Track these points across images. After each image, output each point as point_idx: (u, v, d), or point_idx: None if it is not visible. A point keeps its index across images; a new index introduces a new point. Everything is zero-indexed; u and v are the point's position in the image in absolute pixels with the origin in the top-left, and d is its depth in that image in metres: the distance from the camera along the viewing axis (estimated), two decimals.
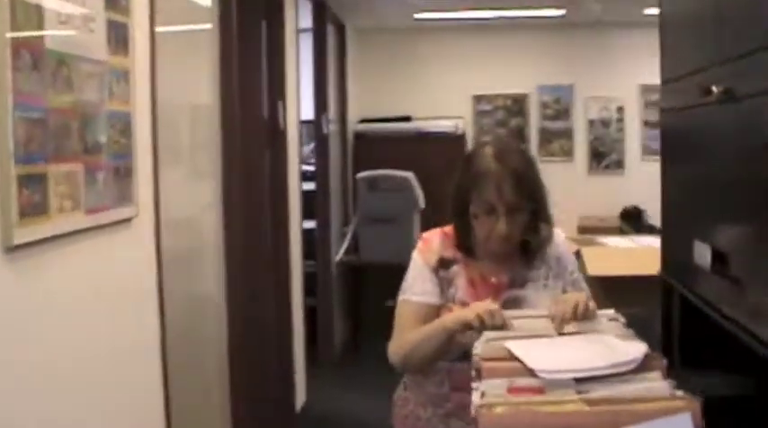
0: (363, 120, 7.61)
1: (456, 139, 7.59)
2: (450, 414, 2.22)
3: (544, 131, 8.02)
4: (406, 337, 2.18)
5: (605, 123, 8.00)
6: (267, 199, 4.49)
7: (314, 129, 6.31)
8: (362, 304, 7.26)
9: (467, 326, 1.97)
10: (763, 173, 1.36)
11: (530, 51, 7.90)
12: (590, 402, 1.31)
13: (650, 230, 7.49)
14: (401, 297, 2.25)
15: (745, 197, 1.53)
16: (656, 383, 1.40)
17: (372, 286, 7.15)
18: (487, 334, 1.83)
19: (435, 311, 2.19)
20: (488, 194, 2.09)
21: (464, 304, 2.17)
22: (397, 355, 2.19)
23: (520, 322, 1.93)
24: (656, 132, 7.63)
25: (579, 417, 1.25)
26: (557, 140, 8.02)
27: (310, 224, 6.09)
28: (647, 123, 7.89)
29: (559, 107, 7.99)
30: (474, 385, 1.50)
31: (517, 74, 7.90)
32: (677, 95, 1.92)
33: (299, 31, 5.19)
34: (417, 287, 2.22)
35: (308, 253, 5.88)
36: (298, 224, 5.23)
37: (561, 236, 2.35)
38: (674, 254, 2.02)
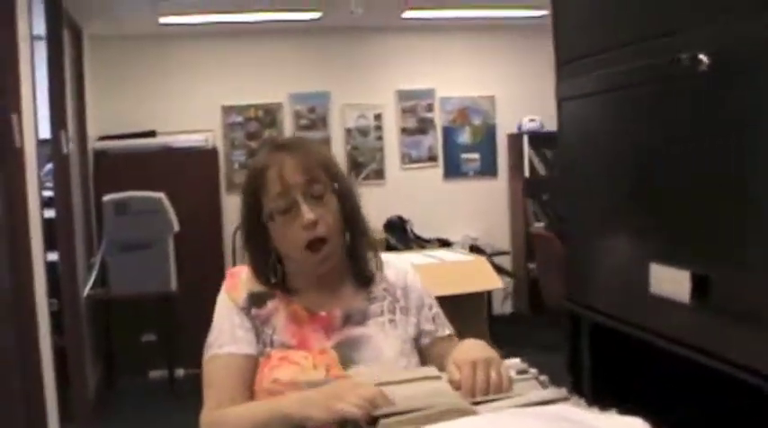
0: (103, 137, 6.84)
1: (207, 154, 7.09)
2: None
3: None
4: (227, 417, 1.67)
5: (363, 132, 7.75)
6: (3, 230, 3.75)
7: (51, 148, 5.50)
8: (115, 340, 6.59)
9: (341, 422, 1.45)
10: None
11: (282, 58, 7.50)
12: None
13: (417, 241, 7.36)
14: (207, 353, 1.78)
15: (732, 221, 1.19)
16: None
17: (125, 320, 6.54)
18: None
19: (253, 363, 1.73)
20: (274, 184, 1.71)
21: (286, 347, 1.73)
22: None
23: (408, 391, 1.46)
24: (415, 139, 7.79)
25: None
26: None
27: (53, 256, 5.31)
28: (404, 130, 7.76)
29: (315, 116, 7.65)
30: None
31: (269, 82, 7.48)
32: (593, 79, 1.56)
33: (33, 38, 4.46)
34: (225, 336, 1.76)
35: (52, 289, 5.14)
36: (41, 257, 4.47)
37: (405, 264, 1.95)
38: (592, 280, 1.65)
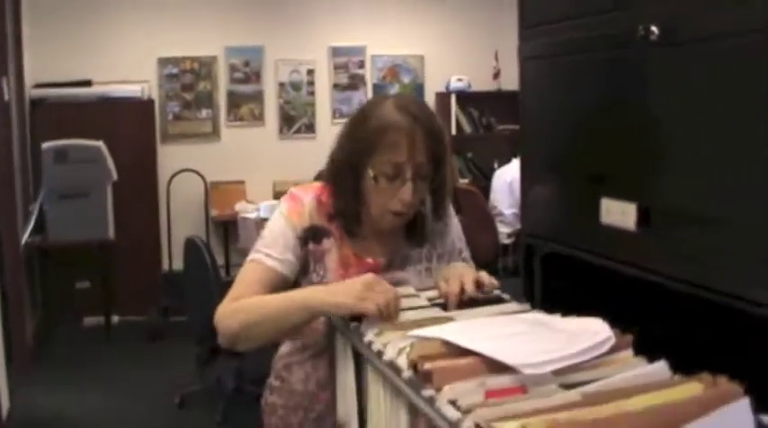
0: (39, 85, 6.82)
1: (144, 105, 7.13)
2: (322, 417, 1.92)
3: (233, 95, 7.74)
4: (244, 304, 1.76)
5: (296, 86, 7.90)
6: None
7: None
8: (50, 288, 6.64)
9: (355, 316, 1.58)
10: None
11: (218, 12, 7.56)
12: (597, 399, 1.13)
13: None
14: (252, 256, 1.85)
15: (677, 147, 1.47)
16: (646, 365, 1.26)
17: (60, 268, 6.57)
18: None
19: (287, 286, 1.83)
20: (399, 153, 1.72)
21: None
22: (228, 325, 1.76)
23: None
24: (345, 95, 7.99)
25: (622, 421, 1.06)
26: (246, 104, 7.78)
27: None
28: (336, 86, 7.93)
29: (249, 70, 7.76)
30: (426, 392, 1.23)
31: (204, 35, 7.53)
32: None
33: None
34: (275, 251, 1.83)
35: None
36: None
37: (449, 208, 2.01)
38: (547, 215, 1.92)
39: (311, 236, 1.86)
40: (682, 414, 1.03)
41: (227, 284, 5.21)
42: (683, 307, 1.54)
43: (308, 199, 1.89)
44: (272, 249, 1.84)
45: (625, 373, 1.23)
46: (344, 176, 1.82)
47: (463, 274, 1.70)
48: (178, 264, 6.40)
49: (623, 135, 1.61)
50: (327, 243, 1.87)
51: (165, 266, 7.17)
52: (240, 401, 4.96)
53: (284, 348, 2.03)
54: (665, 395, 1.14)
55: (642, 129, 1.55)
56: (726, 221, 1.37)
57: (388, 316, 1.55)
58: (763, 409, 1.10)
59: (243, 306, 1.77)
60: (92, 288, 6.66)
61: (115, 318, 6.70)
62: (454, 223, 2.02)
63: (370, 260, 1.88)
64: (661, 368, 1.24)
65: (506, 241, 6.50)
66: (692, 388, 1.16)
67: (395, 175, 1.75)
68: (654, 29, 1.43)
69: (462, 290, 1.65)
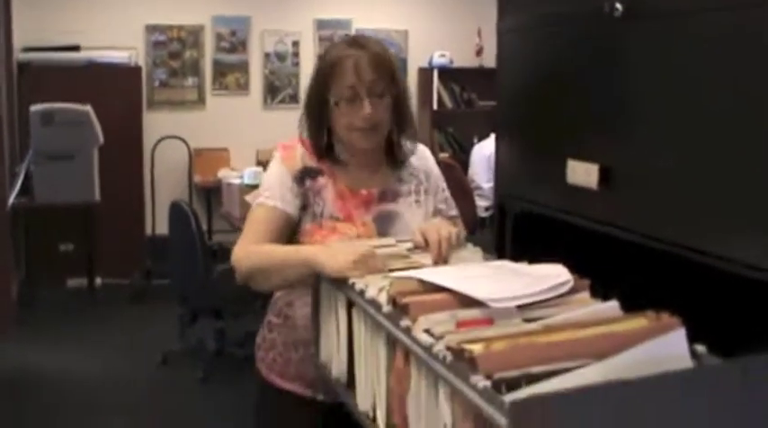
0: (28, 49, 6.89)
1: (132, 71, 7.23)
2: None
3: (218, 64, 7.84)
4: (258, 247, 1.97)
5: (281, 57, 8.00)
6: None
7: None
8: (33, 250, 6.74)
9: (341, 277, 1.72)
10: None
11: None
12: (554, 329, 1.28)
13: None
14: (256, 201, 2.05)
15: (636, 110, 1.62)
16: (599, 304, 1.42)
17: (45, 229, 6.67)
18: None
19: (290, 222, 2.03)
20: (348, 77, 1.97)
21: (335, 219, 2.02)
22: (241, 264, 1.97)
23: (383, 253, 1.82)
24: None
25: (575, 345, 1.21)
26: (231, 74, 7.89)
27: None
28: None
29: (235, 39, 7.85)
30: (403, 323, 1.38)
31: (192, 4, 7.63)
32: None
33: None
34: (276, 192, 2.02)
35: None
36: None
37: (427, 151, 2.25)
38: (518, 177, 2.08)
39: (306, 174, 2.05)
40: (625, 341, 1.18)
41: (211, 249, 5.36)
42: (639, 259, 1.70)
43: (296, 147, 2.10)
44: (272, 191, 2.03)
45: (580, 310, 1.39)
46: (314, 110, 2.05)
47: (440, 228, 1.86)
48: (161, 229, 6.51)
49: (588, 103, 1.76)
50: (322, 179, 2.06)
51: (149, 230, 7.28)
52: (221, 361, 5.10)
53: None
54: (613, 326, 1.30)
55: (604, 98, 1.70)
56: (676, 179, 1.52)
57: (370, 271, 1.70)
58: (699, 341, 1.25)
59: (255, 251, 1.97)
60: (76, 250, 6.75)
61: (98, 281, 6.80)
62: (431, 161, 2.23)
63: (363, 191, 2.08)
64: (612, 306, 1.40)
65: (484, 214, 6.66)
66: (637, 322, 1.31)
67: (352, 97, 1.98)
68: (618, 5, 1.58)
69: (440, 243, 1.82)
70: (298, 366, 2.10)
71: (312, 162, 2.07)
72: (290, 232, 2.04)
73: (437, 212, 2.18)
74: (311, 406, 2.10)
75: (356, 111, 1.98)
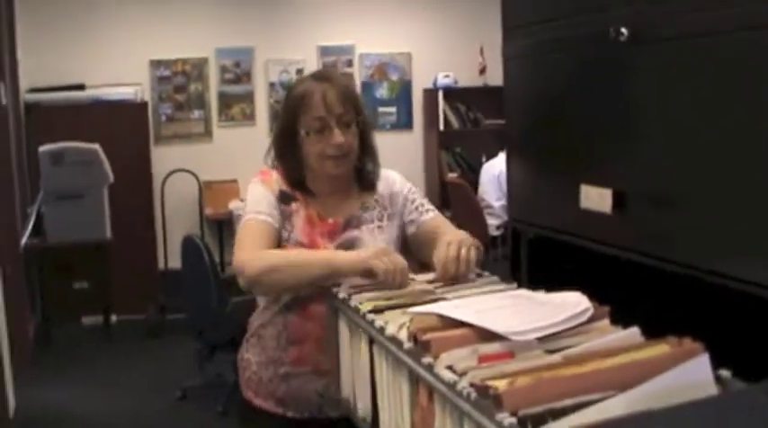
0: (34, 89, 6.95)
1: (138, 107, 7.27)
2: (289, 375, 2.17)
3: (224, 96, 7.88)
4: (267, 251, 2.05)
5: (286, 86, 8.02)
6: None
7: None
8: (48, 288, 6.74)
9: (367, 275, 1.88)
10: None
11: (208, 13, 7.70)
12: (576, 360, 1.28)
13: None
14: (245, 218, 2.13)
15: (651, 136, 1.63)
16: (620, 332, 1.41)
17: (59, 268, 6.67)
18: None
19: (278, 236, 2.11)
20: (316, 109, 2.09)
21: (300, 244, 2.11)
22: (252, 265, 2.00)
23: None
24: None
25: (598, 376, 1.21)
26: (237, 104, 7.92)
27: None
28: None
29: (239, 70, 7.90)
30: (425, 360, 1.38)
31: (195, 37, 7.67)
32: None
33: None
34: (264, 208, 2.11)
35: None
36: None
37: (394, 174, 2.33)
38: (532, 202, 2.08)
39: (281, 199, 2.16)
40: (650, 369, 1.18)
41: (225, 281, 5.36)
42: (655, 282, 1.70)
43: (272, 174, 2.21)
44: (260, 207, 2.12)
45: (601, 339, 1.38)
46: (285, 143, 2.16)
47: (451, 242, 1.91)
48: (174, 263, 6.52)
49: (598, 127, 1.76)
50: (294, 205, 2.16)
51: (162, 264, 7.30)
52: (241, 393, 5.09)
53: (260, 306, 2.25)
54: (635, 354, 1.29)
55: (615, 122, 1.71)
56: (689, 203, 1.52)
57: (392, 281, 1.84)
58: (723, 366, 1.24)
59: (266, 253, 2.04)
60: (90, 288, 6.75)
61: (114, 317, 6.81)
62: (398, 185, 2.29)
63: (330, 220, 2.17)
64: (633, 333, 1.40)
65: (495, 233, 6.66)
66: (660, 349, 1.31)
67: (321, 128, 2.10)
68: (623, 30, 1.59)
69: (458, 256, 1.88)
70: (268, 385, 2.21)
71: (286, 187, 2.17)
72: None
73: (407, 225, 2.26)
74: (282, 423, 2.20)
75: (326, 139, 2.09)
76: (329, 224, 2.17)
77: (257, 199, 2.14)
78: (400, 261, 1.88)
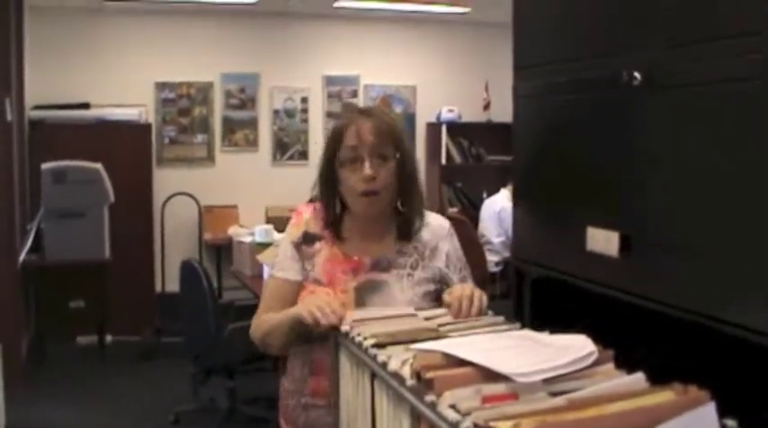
0: (39, 107, 6.96)
1: (141, 128, 7.27)
2: (308, 406, 2.14)
3: (228, 121, 7.90)
4: (265, 317, 2.13)
5: (290, 113, 8.06)
6: None
7: None
8: (44, 306, 6.71)
9: (301, 323, 1.91)
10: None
11: (216, 39, 7.74)
12: (580, 404, 1.27)
13: None
14: (270, 273, 2.22)
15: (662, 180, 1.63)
16: (625, 377, 1.41)
17: (56, 286, 6.64)
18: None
19: (295, 286, 2.13)
20: (349, 138, 2.02)
21: (318, 282, 2.10)
22: (254, 335, 2.17)
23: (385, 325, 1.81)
24: None
25: (601, 422, 1.20)
26: (241, 130, 7.94)
27: None
28: (329, 114, 8.09)
29: (244, 96, 7.92)
30: (428, 398, 1.38)
31: (202, 61, 7.71)
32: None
33: None
34: (281, 262, 2.16)
35: None
36: None
37: (444, 224, 2.21)
38: (536, 242, 2.08)
39: (304, 240, 2.15)
40: (654, 417, 1.17)
41: (222, 306, 5.34)
42: (660, 327, 1.70)
43: (307, 211, 2.19)
44: (279, 260, 2.19)
45: (606, 383, 1.38)
46: (325, 179, 2.10)
47: (464, 290, 1.88)
48: (171, 285, 6.50)
49: (607, 169, 1.77)
50: (318, 245, 2.14)
51: (159, 287, 7.28)
52: (234, 419, 5.06)
53: None
54: (640, 400, 1.29)
55: (624, 165, 1.71)
56: (697, 249, 1.52)
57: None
58: (729, 415, 1.24)
59: (264, 318, 2.14)
60: (86, 307, 6.71)
61: (109, 338, 6.77)
62: (446, 238, 2.19)
63: (355, 258, 2.11)
64: (638, 378, 1.39)
65: (494, 269, 6.65)
66: (664, 395, 1.30)
67: (354, 159, 2.02)
68: (636, 74, 1.60)
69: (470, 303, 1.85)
70: (292, 412, 2.20)
71: (317, 227, 2.15)
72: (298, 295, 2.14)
73: (443, 278, 2.15)
74: None
75: (359, 172, 2.01)
76: (354, 261, 2.10)
77: (280, 249, 2.19)
78: (325, 298, 1.91)
